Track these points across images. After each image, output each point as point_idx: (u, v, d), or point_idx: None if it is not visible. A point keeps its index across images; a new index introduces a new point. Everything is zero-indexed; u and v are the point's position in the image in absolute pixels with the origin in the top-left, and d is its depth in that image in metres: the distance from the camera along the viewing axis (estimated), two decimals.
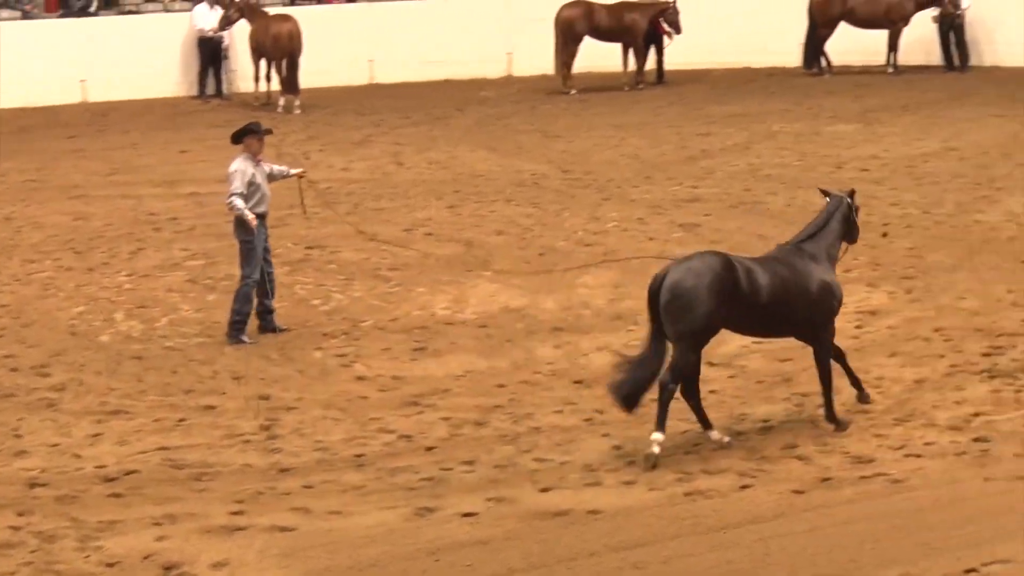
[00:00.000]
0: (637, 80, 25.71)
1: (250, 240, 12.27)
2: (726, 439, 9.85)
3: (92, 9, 26.29)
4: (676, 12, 25.55)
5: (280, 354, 11.96)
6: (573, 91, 25.18)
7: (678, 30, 25.51)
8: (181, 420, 10.48)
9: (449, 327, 12.67)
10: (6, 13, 25.79)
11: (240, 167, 12.23)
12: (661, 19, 25.63)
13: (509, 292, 13.57)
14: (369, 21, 26.73)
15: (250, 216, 12.21)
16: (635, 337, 12.17)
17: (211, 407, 10.73)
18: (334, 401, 10.87)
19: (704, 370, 11.27)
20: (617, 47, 25.78)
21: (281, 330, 12.40)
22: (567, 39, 25.43)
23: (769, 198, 16.99)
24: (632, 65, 25.83)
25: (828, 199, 10.47)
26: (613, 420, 10.32)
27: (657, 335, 9.68)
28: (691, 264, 9.68)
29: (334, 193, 17.70)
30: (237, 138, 12.41)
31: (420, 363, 11.76)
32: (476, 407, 10.68)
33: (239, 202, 12.20)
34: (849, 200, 10.44)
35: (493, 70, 27.18)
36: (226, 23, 24.57)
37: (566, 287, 13.71)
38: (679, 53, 25.98)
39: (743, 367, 11.41)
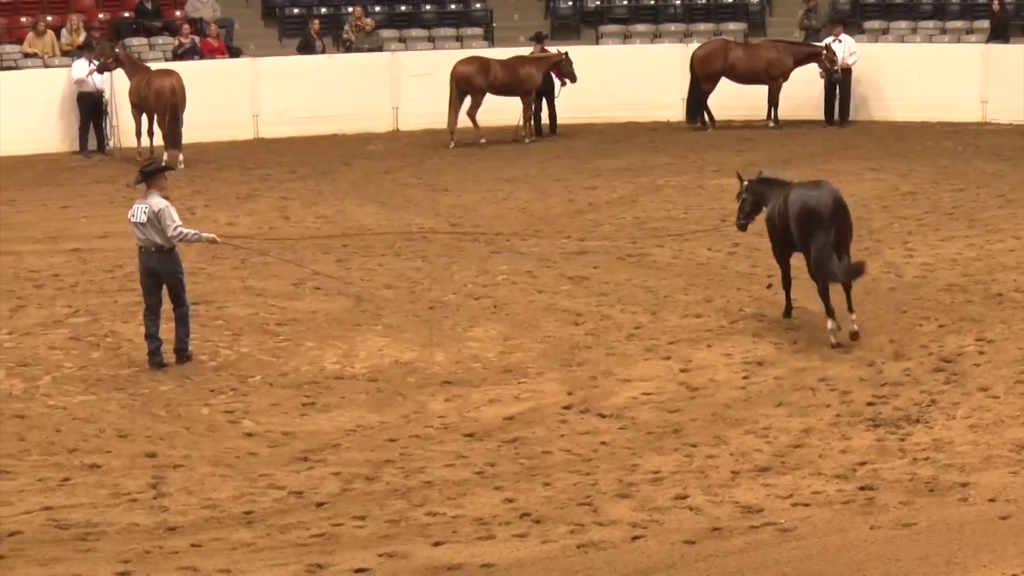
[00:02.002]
0: (530, 133, 25.92)
1: (183, 271, 13.10)
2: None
3: None
4: (569, 63, 25.90)
5: (167, 411, 11.84)
6: (483, 140, 25.34)
7: (573, 79, 25.85)
8: (65, 479, 10.31)
9: (339, 381, 12.64)
10: None
11: (165, 202, 12.84)
12: (554, 71, 25.96)
13: (399, 346, 13.58)
14: (253, 76, 26.67)
15: (209, 236, 13.24)
16: (526, 389, 12.27)
17: (96, 465, 10.58)
18: (223, 458, 10.78)
19: (593, 422, 11.45)
20: (504, 100, 25.99)
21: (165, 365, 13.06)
22: (463, 93, 25.59)
23: (656, 250, 17.21)
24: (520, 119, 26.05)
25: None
26: (505, 473, 10.37)
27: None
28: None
29: (220, 248, 17.58)
30: (149, 176, 12.96)
31: (310, 418, 11.71)
32: (367, 462, 10.65)
33: (190, 230, 13.06)
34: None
35: (379, 125, 27.25)
36: (103, 68, 24.32)
37: (456, 340, 13.75)
38: (564, 107, 26.29)
39: (633, 418, 11.52)
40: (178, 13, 28.72)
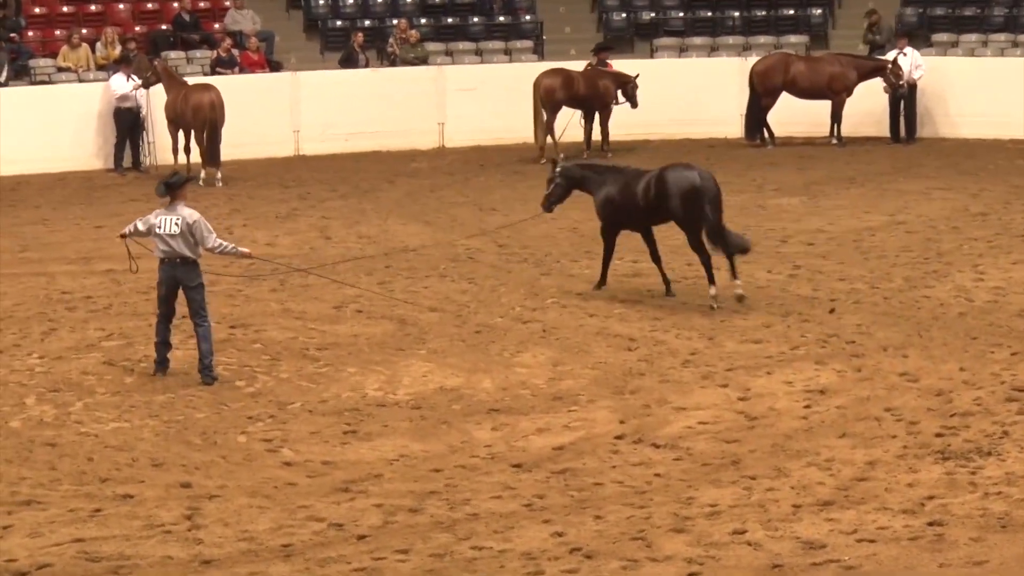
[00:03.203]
0: (606, 147, 25.93)
1: (203, 283, 13.46)
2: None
3: (2, 79, 26.17)
4: (636, 87, 25.89)
5: (202, 439, 11.87)
6: (561, 155, 25.36)
7: (635, 104, 25.83)
8: (97, 510, 10.35)
9: (381, 409, 12.64)
10: None
11: (198, 214, 13.29)
12: (620, 90, 25.96)
13: (444, 371, 13.57)
14: (294, 90, 26.81)
15: (245, 250, 13.82)
16: (577, 418, 12.23)
17: (129, 496, 10.61)
18: (260, 488, 10.79)
19: (646, 453, 11.39)
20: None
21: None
22: (547, 108, 25.57)
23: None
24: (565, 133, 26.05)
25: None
26: (554, 505, 10.32)
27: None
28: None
29: (259, 268, 17.67)
30: (175, 188, 13.32)
31: (351, 447, 11.71)
32: (410, 493, 10.64)
33: (228, 243, 13.63)
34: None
35: (424, 141, 27.33)
36: (147, 83, 24.55)
37: (503, 366, 13.74)
38: (617, 123, 26.27)
39: (688, 449, 11.46)
40: (217, 26, 28.93)
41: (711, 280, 15.52)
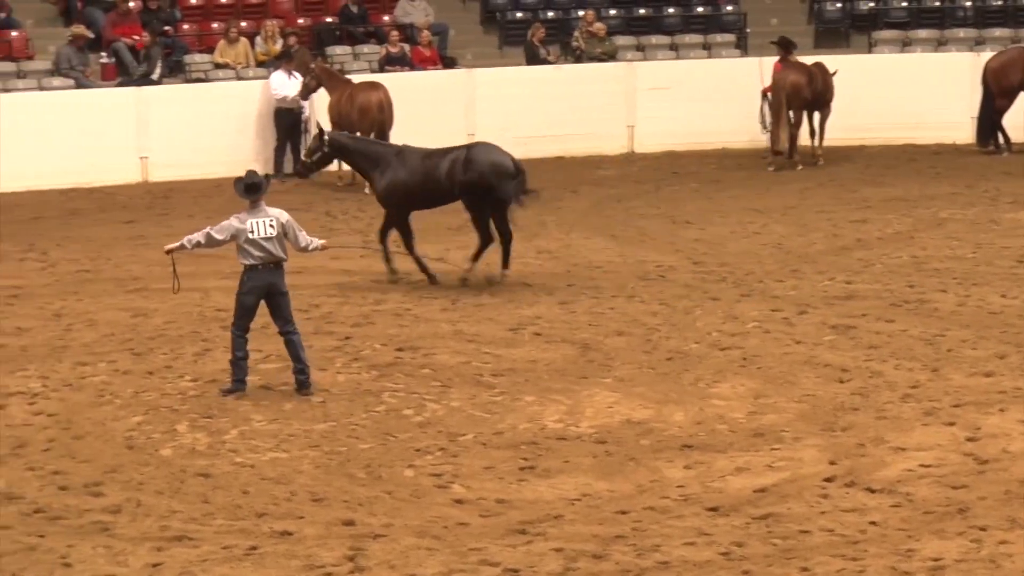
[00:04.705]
0: (819, 151, 25.82)
1: None
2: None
3: (155, 77, 26.88)
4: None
5: (366, 472, 12.06)
6: (799, 167, 25.30)
7: None
8: (253, 548, 10.57)
9: (562, 442, 12.70)
10: (58, 81, 26.50)
11: (286, 212, 13.99)
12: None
13: (631, 402, 13.60)
14: (469, 89, 27.06)
15: (323, 241, 14.52)
16: (781, 457, 12.15)
17: (287, 533, 10.82)
18: (428, 528, 10.92)
19: (860, 497, 11.26)
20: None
21: None
22: (794, 106, 25.47)
23: (937, 296, 16.89)
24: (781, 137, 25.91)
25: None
26: (754, 555, 10.27)
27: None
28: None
29: (428, 286, 17.91)
30: (262, 189, 13.97)
31: (528, 484, 11.79)
32: (594, 537, 10.67)
33: (313, 239, 14.26)
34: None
35: (612, 146, 27.38)
36: (306, 91, 25.04)
37: (698, 397, 13.71)
38: (828, 126, 26.01)
39: (908, 495, 11.31)
40: (386, 18, 29.37)
41: (507, 265, 17.79)
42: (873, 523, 10.77)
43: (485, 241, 17.88)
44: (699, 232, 20.86)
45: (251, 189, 13.88)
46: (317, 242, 14.29)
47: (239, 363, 13.89)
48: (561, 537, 10.68)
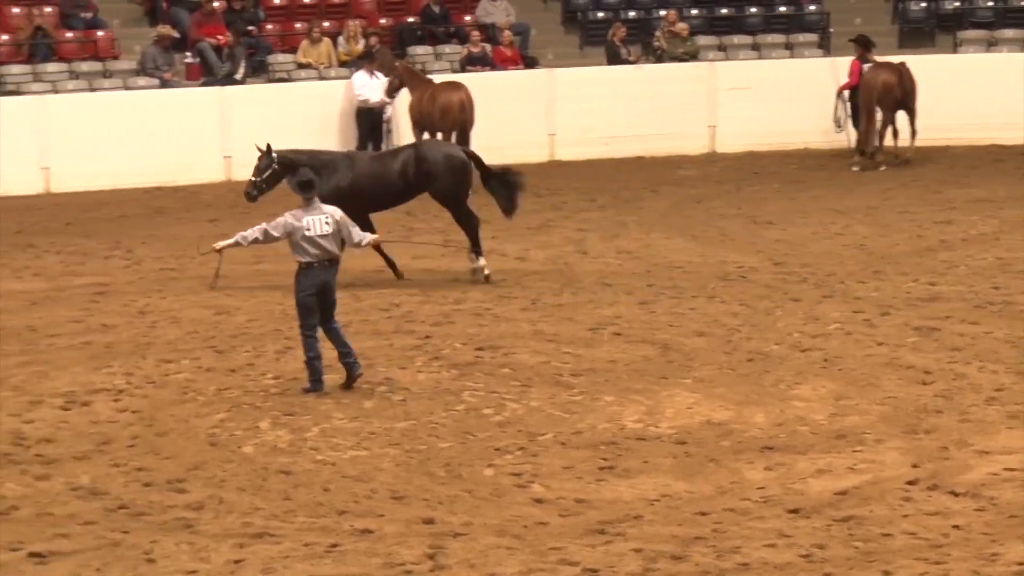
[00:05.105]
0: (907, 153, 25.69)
1: None
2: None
3: (238, 77, 27.08)
4: None
5: (446, 471, 12.09)
6: (883, 167, 25.17)
7: None
8: (334, 545, 10.62)
9: (641, 443, 12.68)
10: (143, 81, 26.77)
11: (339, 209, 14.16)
12: None
13: (711, 403, 13.56)
14: (550, 89, 27.07)
15: (375, 236, 15.10)
16: (862, 459, 12.07)
17: (368, 531, 10.86)
18: (508, 527, 10.93)
19: (943, 501, 11.16)
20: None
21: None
22: (885, 107, 25.31)
23: (1023, 298, 16.72)
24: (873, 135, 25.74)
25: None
26: (836, 557, 10.21)
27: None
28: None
29: (508, 285, 17.93)
30: (315, 187, 14.03)
31: (608, 484, 11.77)
32: (673, 537, 10.65)
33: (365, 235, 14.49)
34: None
35: (693, 146, 27.30)
36: (391, 90, 25.16)
37: (778, 398, 13.65)
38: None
39: (992, 499, 11.20)
40: (468, 18, 29.44)
41: (480, 251, 18.12)
42: (956, 527, 10.67)
43: (474, 225, 18.30)
44: (780, 232, 20.77)
45: (305, 187, 13.95)
46: (369, 237, 14.43)
47: (312, 363, 13.96)
48: (640, 537, 10.66)
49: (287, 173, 17.44)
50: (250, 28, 28.15)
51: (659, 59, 28.27)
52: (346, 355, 13.99)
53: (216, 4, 28.02)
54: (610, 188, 24.44)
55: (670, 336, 15.72)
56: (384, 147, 25.99)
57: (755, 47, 29.70)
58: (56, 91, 26.27)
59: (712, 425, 13.04)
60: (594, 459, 12.30)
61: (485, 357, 15.10)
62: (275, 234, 13.91)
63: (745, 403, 13.54)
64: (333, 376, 14.17)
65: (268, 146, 17.95)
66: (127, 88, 26.63)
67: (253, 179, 18.01)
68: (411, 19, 29.46)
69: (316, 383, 13.96)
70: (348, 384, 13.98)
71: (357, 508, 11.32)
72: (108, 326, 16.56)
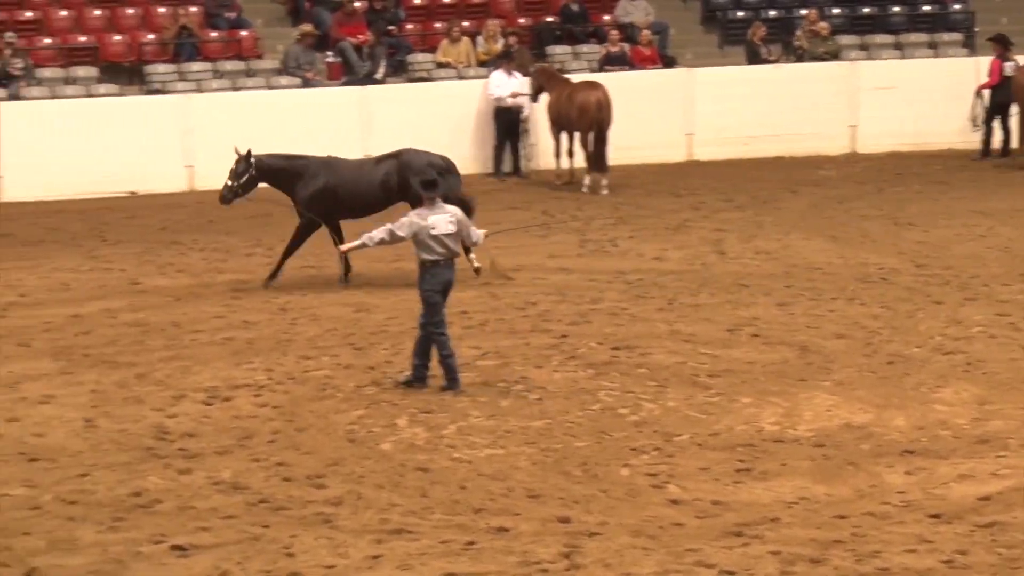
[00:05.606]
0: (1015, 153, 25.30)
1: None
2: None
3: (379, 76, 27.29)
4: None
5: (582, 470, 12.08)
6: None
7: None
8: (470, 543, 10.66)
9: (779, 445, 12.58)
10: (285, 81, 27.07)
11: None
12: None
13: (851, 406, 13.42)
14: (688, 89, 26.97)
15: (483, 232, 14.55)
16: (1007, 464, 11.88)
17: (504, 529, 10.89)
18: (644, 527, 10.91)
19: None
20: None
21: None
22: None
23: None
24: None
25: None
26: (978, 563, 10.06)
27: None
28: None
29: (645, 285, 17.89)
30: (439, 186, 14.13)
31: (745, 486, 11.70)
32: (811, 541, 10.55)
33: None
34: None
35: (833, 146, 27.05)
36: (534, 94, 25.23)
37: (920, 402, 13.48)
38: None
39: None
40: (606, 17, 29.41)
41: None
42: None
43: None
44: (922, 234, 20.52)
45: (428, 186, 14.03)
46: (480, 233, 14.40)
47: (447, 362, 13.99)
48: (778, 540, 10.58)
49: (264, 178, 18.01)
50: (390, 28, 28.34)
51: (799, 58, 28.05)
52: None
53: (357, 4, 28.26)
54: (748, 188, 24.29)
55: (809, 338, 15.58)
56: (521, 147, 26.09)
57: (898, 46, 29.36)
58: (200, 90, 26.63)
59: (851, 428, 12.91)
60: (731, 461, 12.23)
61: (621, 357, 15.07)
62: (401, 234, 13.96)
63: (885, 406, 13.38)
64: (468, 375, 14.23)
65: (249, 151, 18.04)
66: (270, 87, 26.94)
67: (229, 183, 18.06)
68: (550, 18, 29.48)
69: (452, 381, 14.00)
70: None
71: (493, 506, 11.35)
72: (249, 323, 16.77)
